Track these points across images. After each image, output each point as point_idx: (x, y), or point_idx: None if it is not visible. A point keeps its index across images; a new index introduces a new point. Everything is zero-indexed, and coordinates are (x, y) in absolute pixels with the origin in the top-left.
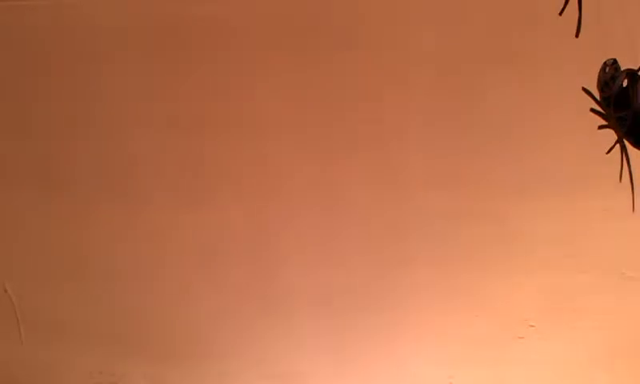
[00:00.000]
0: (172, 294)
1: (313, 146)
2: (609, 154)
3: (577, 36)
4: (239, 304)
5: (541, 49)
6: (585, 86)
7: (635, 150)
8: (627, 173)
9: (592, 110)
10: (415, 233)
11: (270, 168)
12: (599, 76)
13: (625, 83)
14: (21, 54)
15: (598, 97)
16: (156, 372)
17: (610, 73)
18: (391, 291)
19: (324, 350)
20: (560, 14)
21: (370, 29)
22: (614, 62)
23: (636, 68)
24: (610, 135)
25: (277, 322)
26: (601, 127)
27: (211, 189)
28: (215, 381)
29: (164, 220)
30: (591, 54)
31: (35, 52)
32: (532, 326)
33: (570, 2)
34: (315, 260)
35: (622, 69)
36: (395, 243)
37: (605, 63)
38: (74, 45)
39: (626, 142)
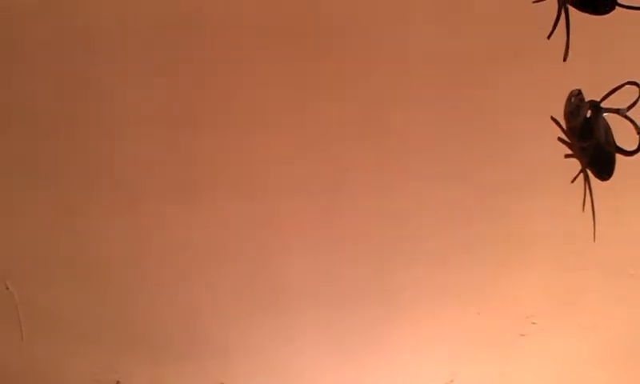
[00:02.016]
0: (172, 293)
1: (312, 144)
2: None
3: (564, 60)
4: (238, 301)
5: (542, 47)
6: (553, 116)
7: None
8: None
9: (559, 138)
10: (416, 230)
11: (269, 165)
12: (565, 106)
13: (589, 114)
14: (20, 52)
15: (564, 126)
16: (157, 370)
17: (574, 103)
18: (392, 289)
19: (323, 348)
20: (548, 37)
21: (370, 26)
22: (579, 92)
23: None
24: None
25: (276, 320)
26: (567, 156)
27: (209, 186)
28: (215, 378)
29: (165, 218)
30: (592, 53)
31: (33, 51)
32: (534, 323)
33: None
34: (314, 257)
35: (587, 99)
36: (395, 240)
37: (570, 93)
38: (72, 44)
39: (589, 173)
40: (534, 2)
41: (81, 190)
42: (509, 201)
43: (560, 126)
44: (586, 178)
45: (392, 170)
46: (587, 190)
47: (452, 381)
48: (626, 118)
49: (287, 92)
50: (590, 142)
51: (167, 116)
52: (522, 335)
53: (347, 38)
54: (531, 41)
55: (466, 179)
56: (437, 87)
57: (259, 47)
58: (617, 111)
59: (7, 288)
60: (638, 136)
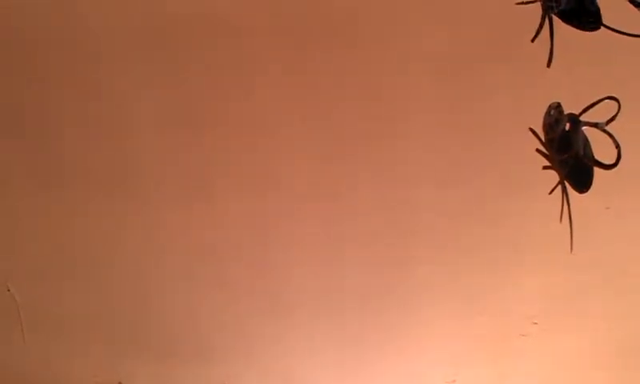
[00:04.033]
0: (174, 293)
1: (313, 145)
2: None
3: (548, 66)
4: (241, 303)
5: (542, 47)
6: (531, 127)
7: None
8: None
9: (537, 150)
10: (417, 232)
11: (271, 166)
12: (544, 119)
13: (567, 127)
14: (20, 52)
15: (543, 138)
16: (158, 371)
17: (554, 116)
18: (393, 290)
19: (326, 350)
20: (532, 40)
21: (370, 25)
22: (558, 105)
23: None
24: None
25: (278, 321)
26: (545, 168)
27: (212, 187)
28: (217, 379)
29: (166, 218)
30: (593, 52)
31: (34, 51)
32: (535, 323)
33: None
34: (316, 259)
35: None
36: (397, 242)
37: (550, 106)
38: (74, 44)
39: (567, 184)
40: (516, 4)
41: (83, 191)
42: (509, 203)
43: (538, 137)
44: (564, 190)
45: (394, 173)
46: (565, 202)
47: (454, 381)
48: (605, 132)
49: (291, 94)
50: (569, 155)
51: (171, 117)
52: (524, 335)
53: (350, 41)
54: (532, 44)
55: (466, 182)
56: (437, 90)
57: (263, 48)
58: (595, 125)
59: (8, 290)
60: (616, 150)
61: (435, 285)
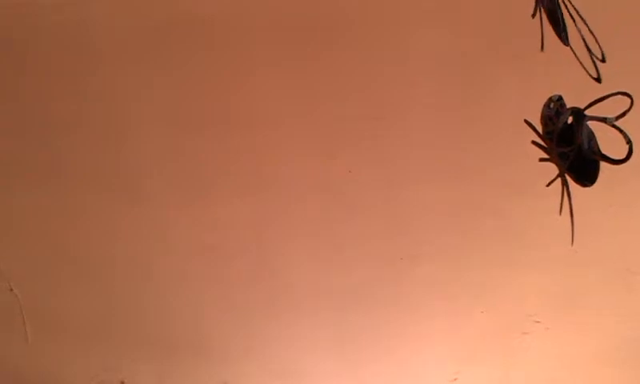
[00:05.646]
0: (176, 292)
1: (314, 143)
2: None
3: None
4: (240, 301)
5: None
6: (527, 119)
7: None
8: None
9: (533, 142)
10: (419, 229)
11: (271, 166)
12: (543, 111)
13: (570, 120)
14: (21, 53)
15: (540, 130)
16: (161, 369)
17: (554, 109)
18: (395, 288)
19: (327, 347)
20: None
21: (370, 25)
22: (560, 98)
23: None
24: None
25: (279, 319)
26: (542, 160)
27: (212, 185)
28: (219, 378)
29: (167, 218)
30: (594, 51)
31: (35, 51)
32: (537, 322)
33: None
34: (317, 257)
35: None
36: (398, 240)
37: (550, 99)
38: (74, 44)
39: (567, 177)
40: None
41: (85, 191)
42: (512, 201)
43: (535, 129)
44: (564, 183)
45: (395, 171)
46: (565, 195)
47: (456, 379)
48: (614, 127)
49: (290, 93)
50: (571, 148)
51: (171, 116)
52: (526, 334)
53: (350, 40)
54: (532, 42)
55: (468, 180)
56: (439, 88)
57: (263, 48)
58: (604, 120)
59: (11, 290)
60: (627, 146)
61: (437, 282)
